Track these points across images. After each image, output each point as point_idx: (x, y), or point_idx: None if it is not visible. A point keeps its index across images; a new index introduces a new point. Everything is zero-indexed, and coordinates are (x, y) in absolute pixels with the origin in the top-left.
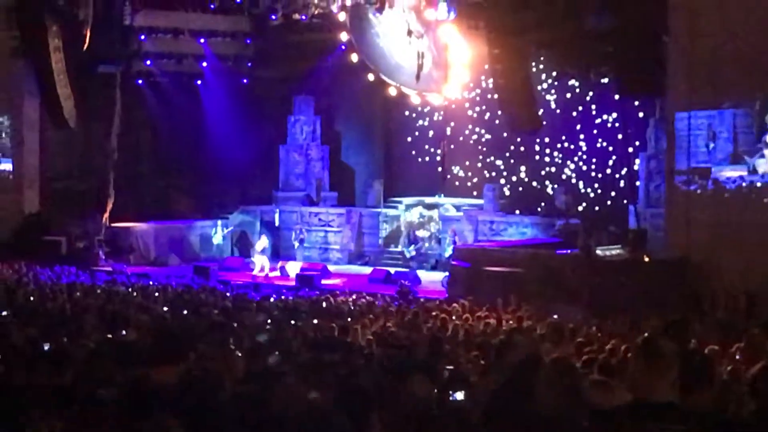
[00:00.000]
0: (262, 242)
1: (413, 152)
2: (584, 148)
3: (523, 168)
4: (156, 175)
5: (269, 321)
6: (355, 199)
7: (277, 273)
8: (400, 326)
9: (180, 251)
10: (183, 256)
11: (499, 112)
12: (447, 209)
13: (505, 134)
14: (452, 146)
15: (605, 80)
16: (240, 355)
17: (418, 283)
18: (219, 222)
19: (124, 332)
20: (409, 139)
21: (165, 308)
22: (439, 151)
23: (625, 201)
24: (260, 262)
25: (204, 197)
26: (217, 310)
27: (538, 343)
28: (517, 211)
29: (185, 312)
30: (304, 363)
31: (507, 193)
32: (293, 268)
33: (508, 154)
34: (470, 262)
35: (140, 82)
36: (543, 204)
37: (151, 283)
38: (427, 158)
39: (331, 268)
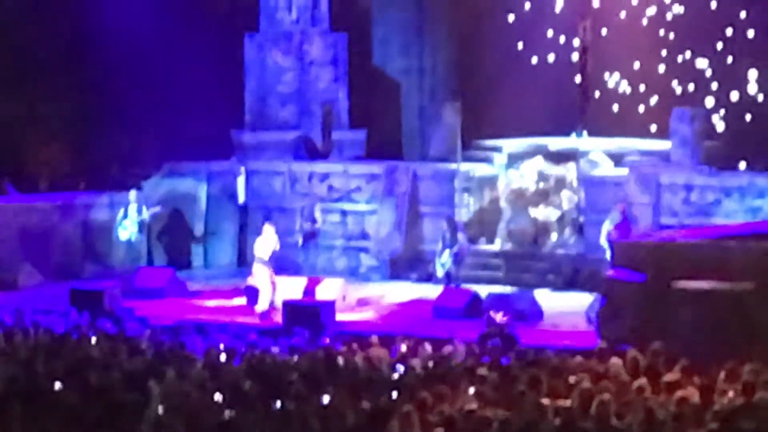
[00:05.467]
0: (267, 238)
1: (520, 46)
2: None
3: (752, 73)
4: None
5: (226, 401)
6: (403, 146)
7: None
8: (498, 408)
9: (42, 258)
10: (49, 267)
11: None
12: (595, 161)
13: (714, 1)
14: (604, 31)
15: None
16: None
17: (537, 316)
18: (133, 195)
19: None
20: (511, 18)
21: (10, 378)
22: (575, 43)
23: None
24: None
25: (93, 146)
26: (124, 378)
27: None
28: (742, 164)
29: (56, 384)
30: None
31: (719, 126)
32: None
33: (721, 46)
34: (647, 269)
35: None
36: None
37: None
38: (550, 58)
39: (355, 289)
